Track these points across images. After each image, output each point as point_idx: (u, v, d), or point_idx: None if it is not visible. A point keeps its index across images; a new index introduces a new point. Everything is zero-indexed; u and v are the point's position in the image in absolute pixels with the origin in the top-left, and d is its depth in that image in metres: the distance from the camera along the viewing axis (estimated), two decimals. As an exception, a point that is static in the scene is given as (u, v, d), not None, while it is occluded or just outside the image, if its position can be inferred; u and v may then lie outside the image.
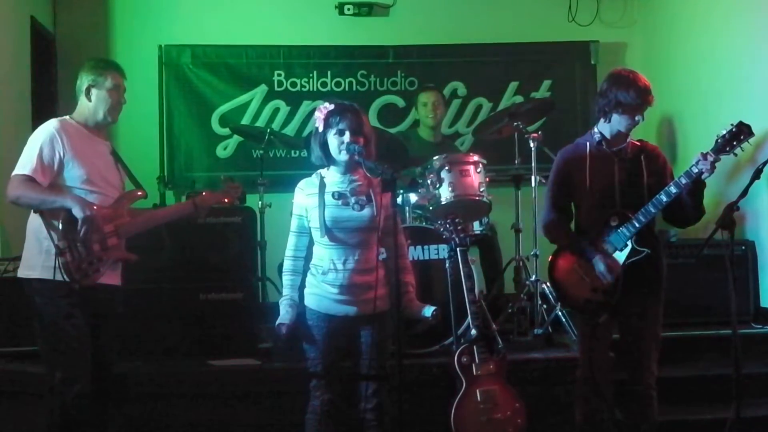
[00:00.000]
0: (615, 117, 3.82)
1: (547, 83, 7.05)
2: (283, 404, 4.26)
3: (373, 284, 3.57)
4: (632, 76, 3.82)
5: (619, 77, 3.84)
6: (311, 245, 3.65)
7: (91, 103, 3.79)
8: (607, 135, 3.88)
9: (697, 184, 3.67)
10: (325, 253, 3.59)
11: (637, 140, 3.97)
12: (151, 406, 4.39)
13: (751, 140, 3.70)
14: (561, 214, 3.99)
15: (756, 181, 3.81)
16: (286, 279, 3.66)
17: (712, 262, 4.90)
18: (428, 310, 3.64)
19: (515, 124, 5.37)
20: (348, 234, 3.55)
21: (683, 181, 3.65)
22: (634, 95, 3.75)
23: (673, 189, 3.67)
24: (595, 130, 3.92)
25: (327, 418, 3.57)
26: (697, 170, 3.62)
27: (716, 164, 3.62)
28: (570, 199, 4.00)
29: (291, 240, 3.67)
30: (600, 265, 3.79)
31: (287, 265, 3.67)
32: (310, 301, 3.62)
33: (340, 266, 3.56)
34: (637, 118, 3.81)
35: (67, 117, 3.82)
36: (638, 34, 7.20)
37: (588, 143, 3.92)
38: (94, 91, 3.78)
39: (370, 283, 3.57)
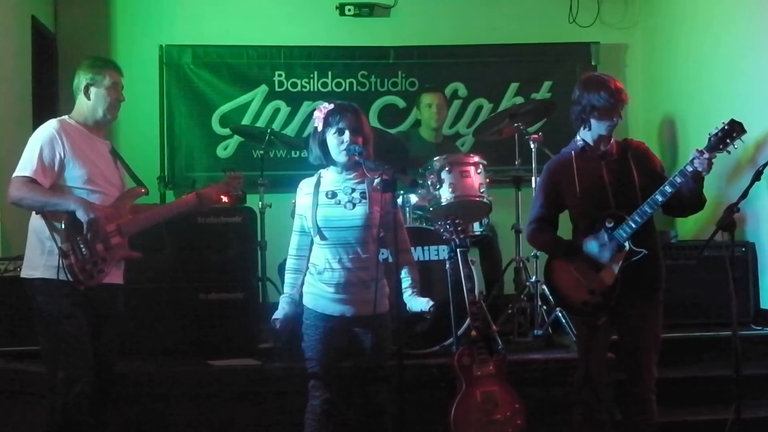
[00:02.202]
0: (593, 122, 3.80)
1: (547, 84, 7.05)
2: (283, 404, 4.25)
3: (371, 283, 3.58)
4: (601, 79, 3.81)
5: (589, 82, 3.83)
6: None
7: (90, 102, 3.79)
8: (590, 141, 3.86)
9: (696, 180, 3.66)
10: (320, 253, 3.60)
11: (622, 139, 3.96)
12: (151, 406, 4.39)
13: (752, 141, 3.71)
14: (544, 223, 3.98)
15: (756, 182, 3.82)
16: (288, 277, 3.71)
17: (713, 264, 4.90)
18: (426, 304, 3.62)
19: (516, 125, 5.38)
20: (339, 232, 3.56)
21: (678, 180, 3.63)
22: (606, 96, 3.73)
23: (668, 188, 3.65)
24: (578, 137, 3.91)
25: (326, 418, 3.58)
26: (692, 169, 3.61)
27: (713, 161, 3.61)
28: (559, 210, 3.99)
29: (293, 239, 3.71)
30: (593, 246, 3.77)
31: (289, 263, 3.71)
32: (307, 301, 3.64)
33: (335, 265, 3.56)
34: (614, 119, 3.78)
35: (66, 117, 3.82)
36: (639, 35, 7.20)
37: (572, 151, 3.91)
38: (92, 90, 3.78)
39: (366, 281, 3.58)
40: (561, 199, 3.93)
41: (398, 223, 3.63)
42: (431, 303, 3.61)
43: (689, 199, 3.72)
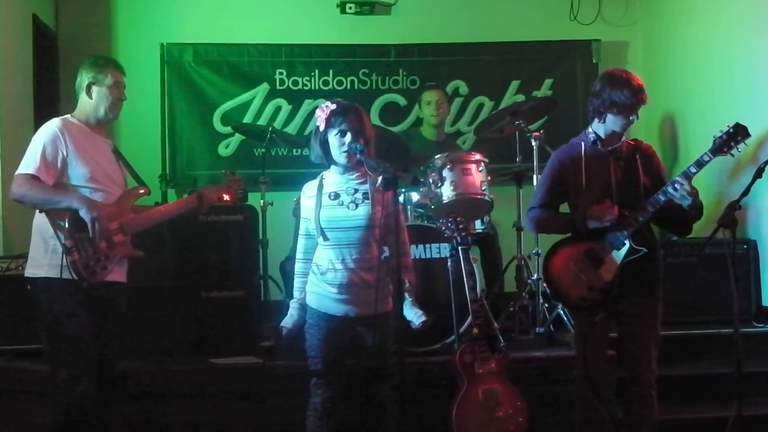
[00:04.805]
0: (610, 117, 3.81)
1: (548, 82, 7.05)
2: (284, 402, 4.25)
3: (374, 284, 3.57)
4: (626, 76, 3.81)
5: (613, 77, 3.83)
6: None
7: (92, 101, 3.80)
8: (602, 135, 3.87)
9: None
10: (324, 253, 3.60)
11: (632, 139, 3.97)
12: (152, 406, 4.39)
13: (753, 139, 3.71)
14: (547, 208, 3.98)
15: (758, 179, 3.81)
16: (296, 282, 3.71)
17: (714, 261, 4.90)
18: (417, 317, 3.61)
19: (517, 122, 5.37)
20: (343, 233, 3.55)
21: (681, 180, 3.64)
22: (628, 95, 3.75)
23: (670, 189, 3.66)
24: (590, 130, 3.92)
25: (327, 416, 3.58)
26: (695, 171, 3.62)
27: (694, 194, 3.62)
28: (562, 200, 3.99)
29: (300, 243, 3.71)
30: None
31: (297, 267, 3.71)
32: (311, 300, 3.63)
33: (338, 266, 3.56)
34: (631, 118, 3.81)
35: (69, 116, 3.82)
36: (640, 32, 7.20)
37: (583, 143, 3.91)
38: (94, 89, 3.79)
39: (370, 282, 3.57)
40: (566, 190, 3.93)
41: (399, 225, 3.61)
42: (423, 319, 3.59)
43: (688, 213, 3.73)
